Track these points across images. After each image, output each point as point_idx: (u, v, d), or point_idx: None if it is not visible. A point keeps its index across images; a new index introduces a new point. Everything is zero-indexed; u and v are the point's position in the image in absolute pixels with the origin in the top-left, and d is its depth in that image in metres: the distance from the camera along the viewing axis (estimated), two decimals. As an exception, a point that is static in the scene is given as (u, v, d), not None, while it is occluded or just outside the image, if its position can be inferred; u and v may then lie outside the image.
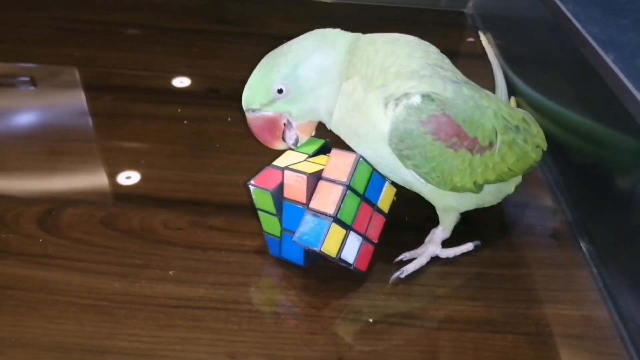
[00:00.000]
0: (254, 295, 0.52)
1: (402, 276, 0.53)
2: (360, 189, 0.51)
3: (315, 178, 0.50)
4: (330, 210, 0.49)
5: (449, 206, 0.54)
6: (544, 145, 0.55)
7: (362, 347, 0.48)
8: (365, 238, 0.52)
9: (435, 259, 0.56)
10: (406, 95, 0.47)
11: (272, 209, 0.52)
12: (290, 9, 0.99)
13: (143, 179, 0.63)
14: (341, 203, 0.49)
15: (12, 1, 0.95)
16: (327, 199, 0.49)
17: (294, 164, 0.52)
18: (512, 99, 0.75)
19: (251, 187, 0.52)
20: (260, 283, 0.53)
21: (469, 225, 0.58)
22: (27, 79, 0.79)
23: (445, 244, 0.56)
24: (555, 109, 0.68)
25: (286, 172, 0.51)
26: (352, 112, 0.49)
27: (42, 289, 0.50)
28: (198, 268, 0.53)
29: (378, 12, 1.00)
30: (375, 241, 0.54)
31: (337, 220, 0.49)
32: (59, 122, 0.72)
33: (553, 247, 0.60)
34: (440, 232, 0.55)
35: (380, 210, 0.54)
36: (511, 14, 0.89)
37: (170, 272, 0.53)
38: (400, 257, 0.54)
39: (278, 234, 0.53)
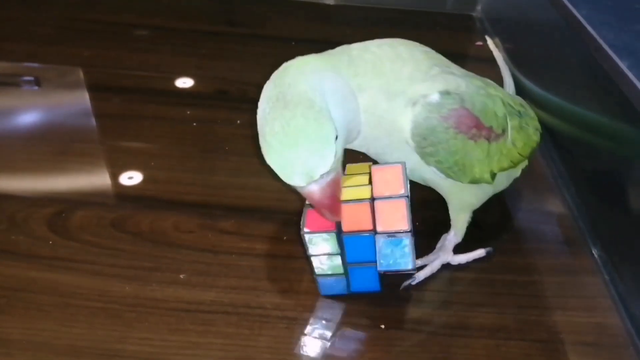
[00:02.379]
0: (265, 299, 0.51)
1: (414, 283, 0.53)
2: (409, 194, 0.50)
3: (371, 202, 0.48)
4: (405, 226, 0.47)
5: (466, 202, 0.54)
6: (540, 128, 0.58)
7: (374, 353, 0.48)
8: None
9: (446, 264, 0.55)
10: (423, 96, 0.47)
11: (335, 249, 0.49)
12: (297, 11, 0.99)
13: (153, 181, 0.63)
14: (409, 214, 0.47)
15: (19, 0, 0.95)
16: (394, 216, 0.47)
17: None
18: None
19: (307, 236, 0.48)
20: (271, 287, 0.52)
21: (480, 230, 0.58)
22: (32, 78, 0.78)
23: (457, 249, 0.56)
24: (565, 113, 0.68)
25: (343, 205, 0.48)
26: (378, 125, 0.48)
27: (52, 292, 0.50)
28: (209, 271, 0.53)
29: (386, 14, 0.99)
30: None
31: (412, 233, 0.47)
32: (68, 123, 0.72)
33: (564, 254, 0.59)
34: (452, 238, 0.55)
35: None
36: (520, 17, 0.89)
37: (181, 276, 0.52)
38: (407, 283, 0.53)
39: (340, 272, 0.50)
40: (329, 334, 0.49)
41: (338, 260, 0.49)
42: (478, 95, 0.49)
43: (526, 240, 0.60)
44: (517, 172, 0.58)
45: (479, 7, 1.03)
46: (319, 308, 0.51)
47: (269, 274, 0.54)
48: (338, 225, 0.48)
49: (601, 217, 0.60)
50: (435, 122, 0.47)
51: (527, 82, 0.78)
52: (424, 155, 0.48)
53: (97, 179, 0.64)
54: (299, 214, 0.50)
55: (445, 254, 0.54)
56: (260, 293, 0.52)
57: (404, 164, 0.48)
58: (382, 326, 0.50)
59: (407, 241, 0.47)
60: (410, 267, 0.47)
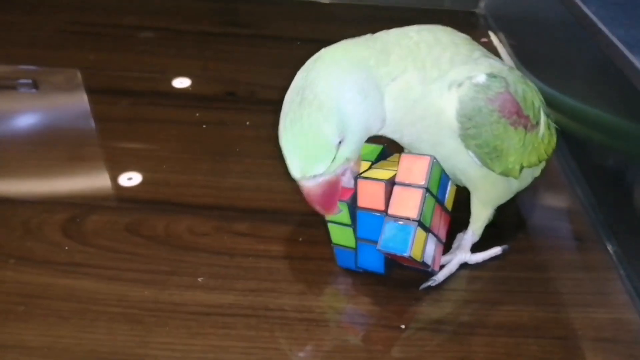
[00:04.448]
0: (284, 301, 0.51)
1: (434, 285, 0.53)
2: (434, 190, 0.51)
3: (390, 184, 0.50)
4: (413, 214, 0.48)
5: (492, 195, 0.54)
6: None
7: (394, 353, 0.48)
8: (438, 238, 0.52)
9: (463, 263, 0.55)
10: (469, 77, 0.48)
11: (347, 220, 0.51)
12: (302, 11, 0.99)
13: (165, 185, 0.63)
14: (422, 206, 0.49)
15: (22, 5, 0.94)
16: (407, 203, 0.49)
17: (362, 172, 0.51)
18: None
19: None
20: (289, 289, 0.52)
21: (495, 227, 0.57)
22: (30, 81, 0.78)
23: (472, 248, 0.56)
24: (574, 109, 0.68)
25: (360, 180, 0.50)
26: (412, 109, 0.48)
27: (71, 298, 0.50)
28: (226, 274, 0.53)
29: (392, 13, 1.00)
30: (444, 240, 0.54)
31: (420, 223, 0.49)
32: (77, 127, 0.71)
33: (579, 250, 0.60)
34: (470, 237, 0.55)
35: (446, 209, 0.53)
36: (525, 13, 0.89)
37: (199, 279, 0.52)
38: (426, 284, 0.53)
39: (352, 245, 0.52)
40: (348, 335, 0.49)
41: (350, 232, 0.51)
42: (520, 83, 0.50)
43: (541, 237, 0.60)
44: (538, 170, 0.58)
45: (481, 4, 1.03)
46: (338, 310, 0.51)
47: (287, 275, 0.54)
48: (353, 198, 0.50)
49: (615, 213, 0.60)
50: (481, 103, 0.47)
51: (533, 79, 0.78)
52: (466, 138, 0.48)
53: (108, 183, 0.63)
54: (312, 215, 0.50)
55: (462, 253, 0.54)
56: (278, 295, 0.52)
57: (433, 157, 0.49)
58: (402, 326, 0.50)
59: (412, 230, 0.48)
60: (406, 254, 0.48)
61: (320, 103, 0.43)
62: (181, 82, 0.80)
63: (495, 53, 0.84)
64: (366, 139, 0.48)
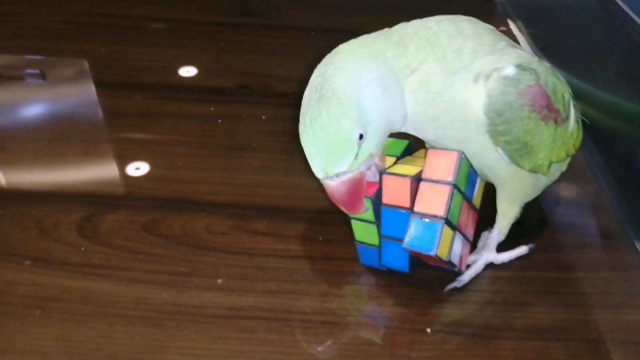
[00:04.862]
0: (305, 303, 0.50)
1: (459, 286, 0.51)
2: (462, 187, 0.49)
3: (416, 180, 0.48)
4: (440, 212, 0.47)
5: (520, 193, 0.52)
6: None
7: (421, 358, 0.47)
8: (465, 237, 0.51)
9: (488, 263, 0.54)
10: (496, 69, 0.45)
11: (372, 217, 0.49)
12: (314, -1, 0.97)
13: (182, 182, 0.61)
14: (450, 203, 0.47)
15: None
16: (434, 200, 0.47)
17: (387, 168, 0.50)
18: None
19: None
20: (310, 290, 0.51)
21: (519, 225, 0.56)
22: (38, 71, 0.77)
23: (497, 247, 0.54)
24: (600, 99, 0.66)
25: (385, 176, 0.48)
26: (434, 103, 0.46)
27: (88, 301, 0.49)
28: (246, 275, 0.52)
29: (406, 2, 0.97)
30: (471, 239, 0.52)
31: (447, 221, 0.47)
32: (89, 122, 0.70)
33: (607, 248, 0.58)
34: (496, 235, 0.53)
35: (474, 207, 0.52)
36: (545, 0, 0.86)
37: (219, 280, 0.51)
38: (452, 285, 0.51)
39: (376, 243, 0.51)
40: (372, 338, 0.48)
41: (374, 230, 0.50)
42: (549, 75, 0.48)
43: (566, 235, 0.59)
44: (565, 165, 0.56)
45: (499, -9, 1.01)
46: (361, 312, 0.50)
47: (307, 276, 0.52)
48: (378, 195, 0.48)
49: (643, 209, 0.58)
50: (512, 97, 0.45)
51: (555, 70, 0.76)
52: (495, 134, 0.46)
53: (123, 180, 0.62)
54: (332, 212, 0.49)
55: (488, 252, 0.53)
56: (299, 297, 0.50)
57: (461, 152, 0.48)
58: (428, 330, 0.48)
59: (439, 228, 0.47)
60: (433, 253, 0.47)
61: (339, 98, 0.42)
62: (194, 75, 0.78)
63: (515, 42, 0.82)
64: (389, 134, 0.47)
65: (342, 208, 0.47)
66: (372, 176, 0.48)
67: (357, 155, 0.43)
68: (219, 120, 0.70)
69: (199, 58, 0.81)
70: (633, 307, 0.52)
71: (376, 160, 0.47)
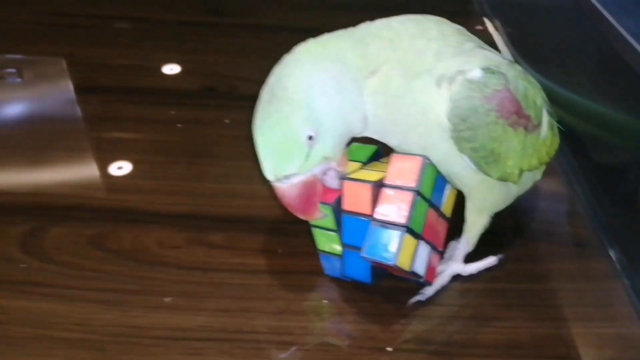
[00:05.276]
0: (260, 322, 0.47)
1: (423, 299, 0.48)
2: (427, 194, 0.46)
3: (378, 186, 0.46)
4: (402, 219, 0.44)
5: (489, 202, 0.50)
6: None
7: (380, 379, 0.44)
8: (432, 247, 0.48)
9: (456, 275, 0.51)
10: (461, 72, 0.43)
11: (333, 225, 0.47)
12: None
13: (135, 191, 0.58)
14: (412, 211, 0.45)
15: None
16: (395, 207, 0.45)
17: (349, 173, 0.47)
18: None
19: None
20: (267, 308, 0.48)
21: (489, 234, 0.53)
22: (14, 70, 0.74)
23: (467, 258, 0.52)
24: (576, 103, 0.64)
25: (345, 182, 0.46)
26: (394, 106, 0.44)
27: (26, 322, 0.46)
28: (197, 292, 0.49)
29: (381, 0, 0.94)
30: (441, 249, 0.50)
31: (409, 230, 0.45)
32: (41, 128, 0.67)
33: (580, 257, 0.56)
34: (464, 246, 0.50)
35: (443, 215, 0.49)
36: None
37: (167, 299, 0.48)
38: (415, 299, 0.49)
39: (338, 252, 0.48)
40: (332, 359, 0.45)
41: (336, 238, 0.48)
42: (520, 79, 0.45)
43: (539, 243, 0.56)
44: (539, 173, 0.54)
45: (477, -11, 0.98)
46: (318, 330, 0.47)
47: (264, 292, 0.50)
48: (337, 201, 0.47)
49: (618, 216, 0.56)
50: (477, 102, 0.43)
51: (531, 71, 0.73)
52: (459, 141, 0.44)
53: (72, 191, 0.59)
54: (294, 223, 0.47)
55: (455, 264, 0.50)
56: (254, 315, 0.48)
57: (426, 158, 0.45)
58: (389, 349, 0.46)
59: (400, 236, 0.44)
60: (392, 262, 0.44)
61: (289, 98, 0.42)
62: (157, 77, 0.75)
63: (491, 42, 0.80)
64: (347, 137, 0.45)
65: (294, 212, 0.45)
66: (332, 182, 0.46)
67: (308, 156, 0.42)
68: (179, 125, 0.67)
69: (162, 59, 0.78)
70: (604, 319, 0.50)
71: (334, 164, 0.45)
